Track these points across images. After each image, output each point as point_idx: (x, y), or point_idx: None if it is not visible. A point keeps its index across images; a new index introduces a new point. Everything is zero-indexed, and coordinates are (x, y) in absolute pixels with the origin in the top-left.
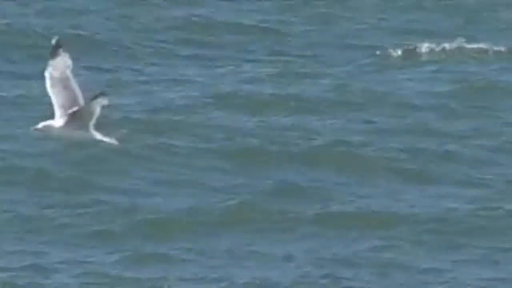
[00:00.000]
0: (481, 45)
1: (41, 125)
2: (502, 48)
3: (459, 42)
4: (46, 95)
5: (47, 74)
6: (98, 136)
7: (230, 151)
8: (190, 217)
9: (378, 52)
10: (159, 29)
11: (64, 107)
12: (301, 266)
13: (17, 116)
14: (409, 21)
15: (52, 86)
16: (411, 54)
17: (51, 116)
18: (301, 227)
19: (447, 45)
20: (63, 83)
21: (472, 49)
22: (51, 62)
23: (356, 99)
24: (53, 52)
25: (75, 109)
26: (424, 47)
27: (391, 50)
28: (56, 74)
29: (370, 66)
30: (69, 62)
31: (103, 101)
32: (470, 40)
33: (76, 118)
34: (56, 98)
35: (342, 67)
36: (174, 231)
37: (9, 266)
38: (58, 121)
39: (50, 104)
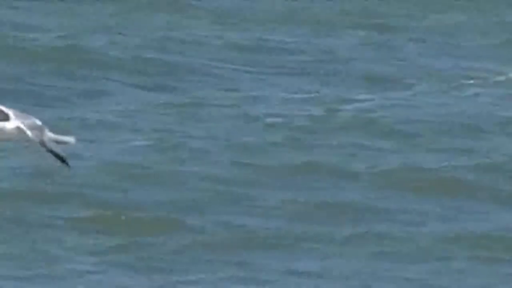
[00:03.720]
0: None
1: None
2: None
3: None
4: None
5: None
6: (54, 136)
7: (264, 170)
8: (229, 235)
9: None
10: (163, 48)
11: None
12: (344, 286)
13: None
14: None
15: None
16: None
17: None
18: (345, 246)
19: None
20: None
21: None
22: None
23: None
24: None
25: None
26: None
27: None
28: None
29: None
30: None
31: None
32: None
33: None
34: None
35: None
36: (211, 250)
37: None
38: (12, 123)
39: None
